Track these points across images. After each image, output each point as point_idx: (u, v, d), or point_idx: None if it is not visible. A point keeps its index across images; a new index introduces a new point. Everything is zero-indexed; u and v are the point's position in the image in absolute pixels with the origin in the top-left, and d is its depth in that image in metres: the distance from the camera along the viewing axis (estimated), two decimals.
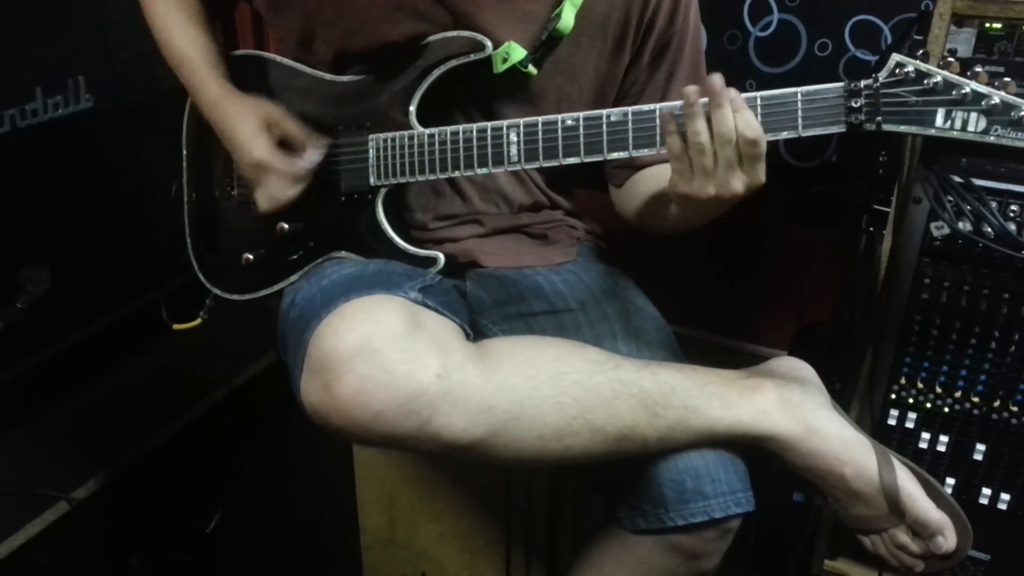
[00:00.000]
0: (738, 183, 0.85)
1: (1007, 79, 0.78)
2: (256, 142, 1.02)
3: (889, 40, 1.46)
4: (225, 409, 1.51)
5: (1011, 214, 1.03)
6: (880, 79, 0.82)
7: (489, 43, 0.99)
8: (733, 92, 0.84)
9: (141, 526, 1.42)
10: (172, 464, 1.46)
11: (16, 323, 1.30)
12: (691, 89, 0.84)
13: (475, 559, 1.37)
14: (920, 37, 1.07)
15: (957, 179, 1.02)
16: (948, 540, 0.92)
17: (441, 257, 1.03)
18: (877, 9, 1.46)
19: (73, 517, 1.30)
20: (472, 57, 1.00)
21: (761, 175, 0.86)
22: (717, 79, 0.84)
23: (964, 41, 1.04)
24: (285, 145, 1.04)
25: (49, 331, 1.45)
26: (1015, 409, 1.09)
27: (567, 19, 0.99)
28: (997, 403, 1.10)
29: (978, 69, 0.79)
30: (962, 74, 0.80)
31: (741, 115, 0.83)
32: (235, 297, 1.16)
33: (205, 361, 1.58)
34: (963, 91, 0.79)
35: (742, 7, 1.56)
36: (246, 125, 1.04)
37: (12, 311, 1.30)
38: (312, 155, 1.03)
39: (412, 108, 1.02)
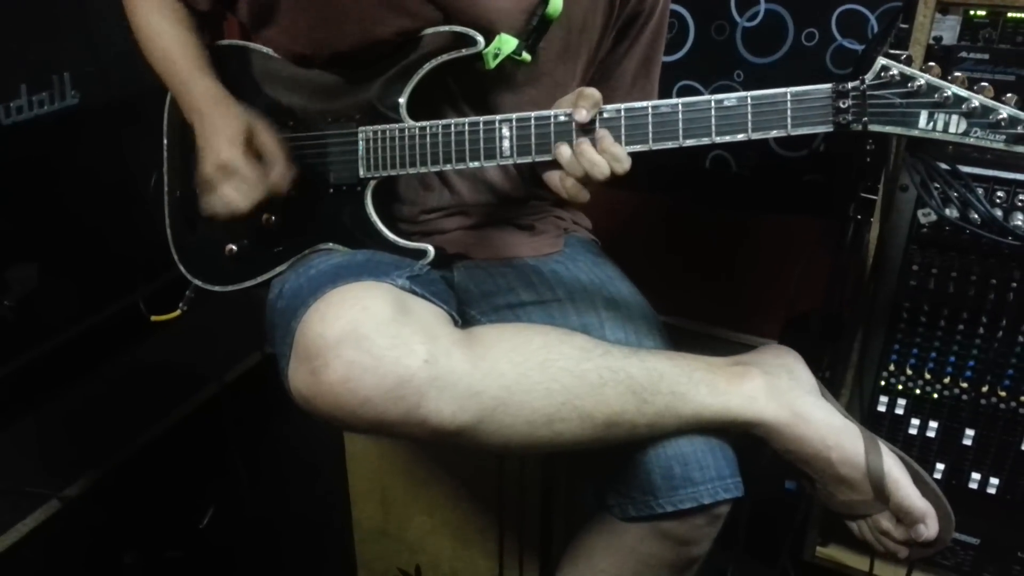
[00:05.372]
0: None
1: (984, 83, 0.81)
2: (232, 143, 1.00)
3: (875, 29, 1.46)
4: (217, 405, 1.51)
5: (997, 200, 1.03)
6: (867, 81, 0.84)
7: (481, 38, 0.99)
8: (601, 132, 0.90)
9: (134, 523, 1.42)
10: (164, 461, 1.46)
11: (3, 321, 1.29)
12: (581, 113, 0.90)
13: (469, 550, 1.37)
14: (906, 26, 1.08)
15: (943, 166, 1.02)
16: (929, 528, 0.93)
17: (431, 250, 1.02)
18: None
19: (65, 515, 1.30)
20: (464, 52, 1.00)
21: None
22: (580, 115, 0.90)
23: (949, 29, 1.04)
24: (257, 159, 1.01)
25: (37, 329, 1.45)
26: (1003, 394, 1.09)
27: (556, 2, 0.99)
28: (985, 388, 1.10)
29: (957, 73, 0.82)
30: (944, 73, 0.83)
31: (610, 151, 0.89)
32: (217, 288, 1.15)
33: (196, 357, 1.58)
34: (945, 94, 0.82)
35: None
36: (227, 127, 1.01)
37: (0, 309, 1.30)
38: (280, 176, 1.01)
39: (402, 101, 1.02)
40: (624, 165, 0.89)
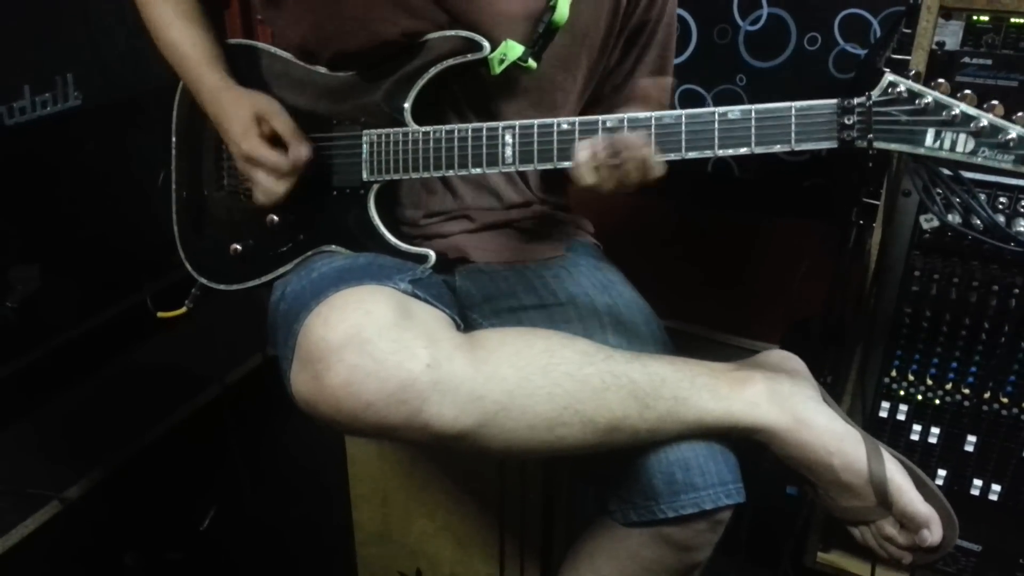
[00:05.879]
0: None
1: (995, 102, 0.80)
2: (245, 135, 1.03)
3: (878, 34, 1.46)
4: (218, 407, 1.51)
5: (1000, 206, 1.04)
6: (873, 97, 0.83)
7: (487, 43, 0.99)
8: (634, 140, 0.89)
9: (135, 524, 1.42)
10: (165, 462, 1.46)
11: (6, 322, 1.30)
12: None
13: (469, 554, 1.37)
14: (909, 30, 1.08)
15: (946, 171, 1.02)
16: (933, 534, 0.93)
17: (432, 255, 1.03)
18: (866, 3, 1.47)
19: (66, 516, 1.30)
20: (469, 57, 1.00)
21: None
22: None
23: (952, 34, 1.04)
24: (275, 140, 1.04)
25: (40, 330, 1.45)
26: (1005, 400, 1.10)
27: (562, 10, 0.99)
28: (987, 395, 1.10)
29: (967, 91, 0.81)
30: (953, 91, 0.81)
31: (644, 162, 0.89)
32: (222, 287, 1.15)
33: (198, 358, 1.58)
34: (953, 112, 0.80)
35: (731, 1, 1.56)
36: (237, 118, 1.04)
37: (2, 310, 1.30)
38: (298, 152, 1.02)
39: (407, 105, 1.02)
40: (655, 172, 0.89)
